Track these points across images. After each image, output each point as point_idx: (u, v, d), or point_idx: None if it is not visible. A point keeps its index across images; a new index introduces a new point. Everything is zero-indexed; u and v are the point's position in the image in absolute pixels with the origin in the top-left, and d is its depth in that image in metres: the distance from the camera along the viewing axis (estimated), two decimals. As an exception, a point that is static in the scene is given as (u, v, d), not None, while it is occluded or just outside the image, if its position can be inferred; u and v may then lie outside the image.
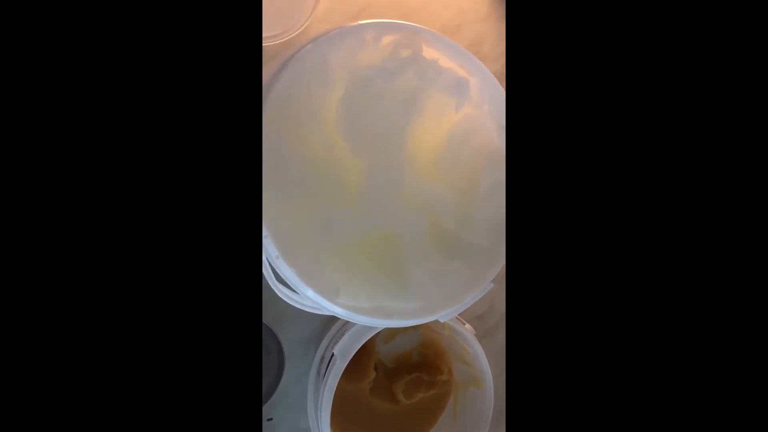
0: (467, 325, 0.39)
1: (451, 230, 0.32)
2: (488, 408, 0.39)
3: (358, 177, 0.30)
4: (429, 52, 0.32)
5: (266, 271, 0.30)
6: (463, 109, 0.32)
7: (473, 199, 0.32)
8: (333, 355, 0.35)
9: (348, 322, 0.38)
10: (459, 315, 0.38)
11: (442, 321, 0.29)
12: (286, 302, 0.31)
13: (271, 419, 0.45)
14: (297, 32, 0.38)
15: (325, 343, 0.42)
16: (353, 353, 0.34)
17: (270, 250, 0.27)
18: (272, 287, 0.32)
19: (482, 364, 0.39)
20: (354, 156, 0.30)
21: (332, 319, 0.43)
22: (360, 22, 0.31)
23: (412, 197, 0.32)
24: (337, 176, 0.29)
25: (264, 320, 0.40)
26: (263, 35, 0.37)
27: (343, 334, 0.36)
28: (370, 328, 0.35)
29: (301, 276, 0.26)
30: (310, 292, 0.27)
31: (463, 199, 0.32)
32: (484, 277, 0.30)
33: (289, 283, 0.29)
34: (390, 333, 0.47)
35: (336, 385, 0.34)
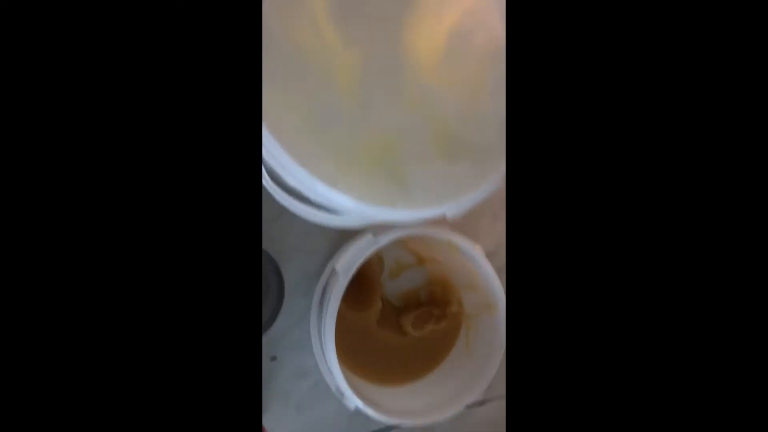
0: (477, 246, 0.37)
1: (456, 130, 0.30)
2: (501, 334, 0.37)
3: (352, 71, 0.29)
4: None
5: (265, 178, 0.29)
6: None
7: (479, 96, 0.30)
8: (334, 271, 0.33)
9: (349, 240, 0.36)
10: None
11: (449, 216, 0.27)
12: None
13: (275, 358, 0.43)
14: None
15: (325, 276, 0.40)
16: (355, 268, 0.32)
17: (266, 141, 0.25)
18: (271, 192, 0.30)
19: (493, 285, 0.37)
20: (346, 47, 0.28)
21: (333, 251, 0.41)
22: None
23: (412, 96, 0.30)
24: (329, 68, 0.27)
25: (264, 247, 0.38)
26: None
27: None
28: (373, 242, 0.33)
29: (299, 160, 0.24)
30: (307, 178, 0.25)
31: (468, 97, 0.30)
32: (492, 175, 0.28)
33: (288, 181, 0.27)
34: (396, 269, 0.45)
35: (339, 303, 0.32)
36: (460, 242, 0.36)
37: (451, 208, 0.27)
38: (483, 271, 0.37)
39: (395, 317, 0.43)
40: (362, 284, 0.43)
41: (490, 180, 0.28)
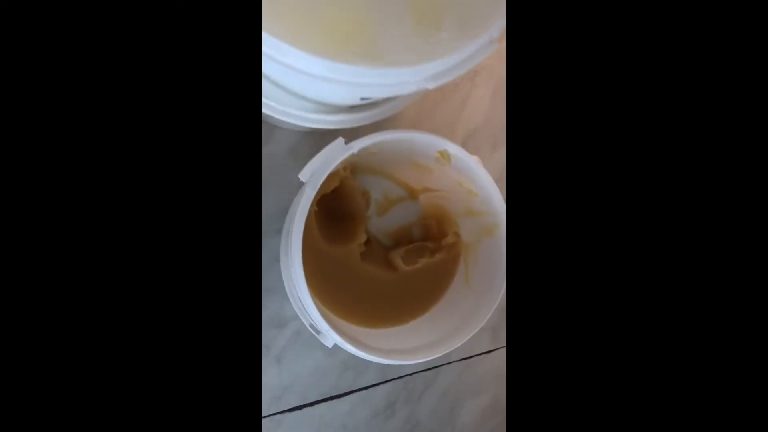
0: (475, 157, 0.31)
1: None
2: (503, 256, 0.32)
3: None
4: None
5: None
6: None
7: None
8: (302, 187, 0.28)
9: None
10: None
11: (431, 87, 0.21)
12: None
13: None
14: None
15: (295, 205, 0.35)
16: (324, 176, 0.27)
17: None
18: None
19: (493, 201, 0.31)
20: None
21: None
22: None
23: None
24: None
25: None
26: None
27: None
28: (344, 147, 0.28)
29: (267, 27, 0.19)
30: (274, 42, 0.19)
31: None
32: (481, 35, 0.23)
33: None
34: (384, 203, 0.40)
35: (306, 215, 0.26)
36: (454, 149, 0.30)
37: (431, 73, 0.21)
38: (482, 187, 0.32)
39: (384, 253, 0.38)
40: (344, 219, 0.37)
41: (479, 43, 0.22)
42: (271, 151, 0.38)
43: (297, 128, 0.37)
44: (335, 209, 0.36)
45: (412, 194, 0.40)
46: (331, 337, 0.28)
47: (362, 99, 0.25)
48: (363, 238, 0.35)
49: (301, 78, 0.23)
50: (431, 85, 0.21)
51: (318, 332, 0.29)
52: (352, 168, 0.36)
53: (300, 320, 0.38)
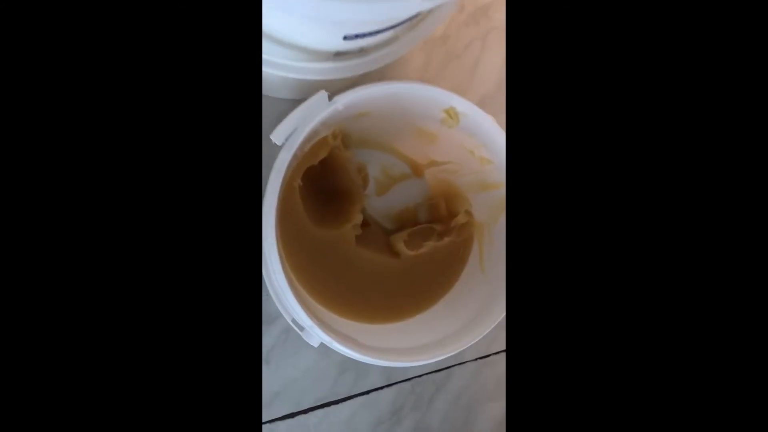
0: (489, 117, 0.26)
1: None
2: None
3: None
4: None
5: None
6: None
7: None
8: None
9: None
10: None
11: (425, 8, 0.16)
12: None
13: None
14: None
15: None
16: (302, 136, 0.22)
17: None
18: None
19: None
20: None
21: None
22: None
23: None
24: None
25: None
26: None
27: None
28: (327, 103, 0.23)
29: None
30: None
31: None
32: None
33: None
34: (384, 181, 0.35)
35: (280, 183, 0.21)
36: (463, 105, 0.25)
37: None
38: (495, 145, 0.26)
39: (384, 237, 0.33)
40: (336, 198, 0.32)
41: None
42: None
43: (281, 94, 0.33)
44: (325, 186, 0.31)
45: (417, 170, 0.35)
46: (316, 335, 0.23)
47: (346, 38, 0.20)
48: (358, 218, 0.30)
49: (274, 13, 0.18)
50: (426, 5, 0.16)
51: (301, 329, 0.24)
52: (344, 138, 0.31)
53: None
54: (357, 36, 0.21)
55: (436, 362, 0.37)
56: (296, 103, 0.34)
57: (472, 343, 0.26)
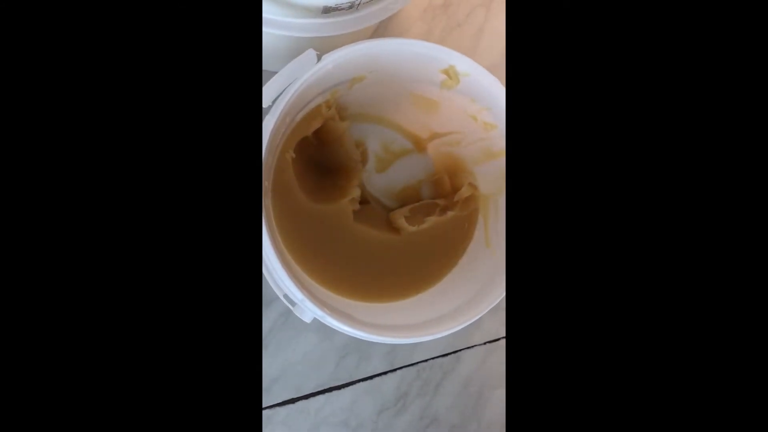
0: (492, 76, 0.24)
1: None
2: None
3: None
4: None
5: None
6: None
7: None
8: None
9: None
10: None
11: None
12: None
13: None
14: None
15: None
16: (287, 98, 0.20)
17: None
18: None
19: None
20: None
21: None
22: None
23: None
24: None
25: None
26: None
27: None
28: (315, 63, 0.21)
29: None
30: None
31: None
32: None
33: None
34: (385, 157, 0.33)
35: (266, 149, 0.20)
36: (464, 63, 0.23)
37: None
38: (499, 107, 0.24)
39: (384, 214, 0.32)
40: (332, 172, 0.31)
41: None
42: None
43: (272, 66, 0.31)
44: (321, 159, 0.29)
45: (419, 145, 0.33)
46: (308, 309, 0.22)
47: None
48: (355, 192, 0.28)
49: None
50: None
51: (293, 304, 0.22)
52: (339, 109, 0.29)
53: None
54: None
55: (442, 347, 0.36)
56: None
57: (478, 317, 0.24)
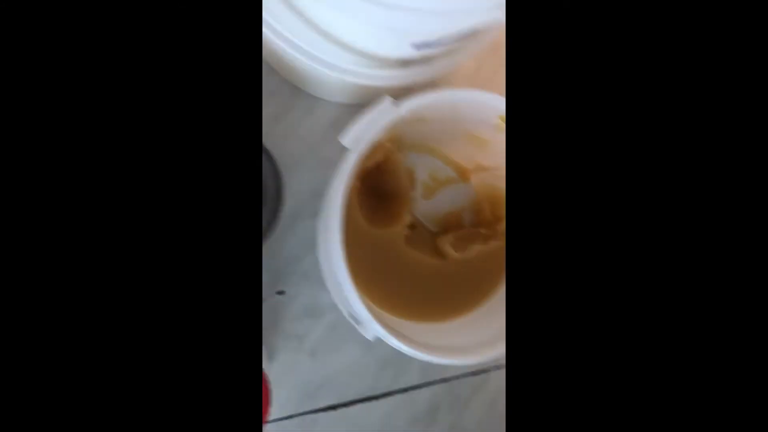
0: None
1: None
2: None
3: None
4: None
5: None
6: None
7: None
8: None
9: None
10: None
11: (502, 17, 0.17)
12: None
13: (282, 292, 0.35)
14: None
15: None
16: (369, 139, 0.23)
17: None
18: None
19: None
20: None
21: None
22: None
23: None
24: None
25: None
26: None
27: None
28: (392, 107, 0.24)
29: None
30: None
31: None
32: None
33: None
34: (431, 185, 0.36)
35: (348, 181, 0.23)
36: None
37: None
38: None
39: (431, 239, 0.34)
40: (386, 198, 0.33)
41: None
42: (310, 126, 0.35)
43: (338, 98, 0.34)
44: (378, 187, 0.32)
45: (463, 175, 0.35)
46: (372, 329, 0.24)
47: (413, 45, 0.21)
48: (407, 219, 0.31)
49: (345, 16, 0.19)
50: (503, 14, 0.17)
51: (358, 323, 0.25)
52: (397, 142, 0.32)
53: (337, 311, 0.34)
54: (424, 45, 0.22)
55: (473, 365, 0.38)
56: (351, 107, 0.35)
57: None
